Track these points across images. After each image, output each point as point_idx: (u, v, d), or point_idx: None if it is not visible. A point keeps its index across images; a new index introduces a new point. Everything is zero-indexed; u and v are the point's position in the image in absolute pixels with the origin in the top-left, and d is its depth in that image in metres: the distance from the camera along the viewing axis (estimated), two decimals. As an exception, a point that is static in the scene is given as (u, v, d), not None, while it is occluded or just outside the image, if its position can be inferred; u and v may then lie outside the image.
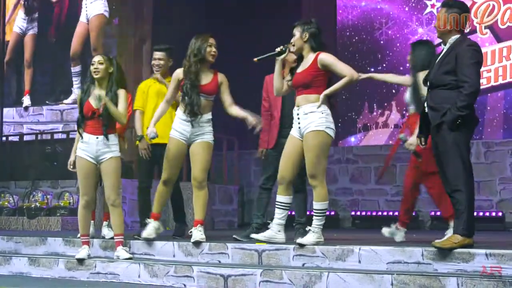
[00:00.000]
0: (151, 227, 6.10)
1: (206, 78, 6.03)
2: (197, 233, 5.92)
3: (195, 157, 6.01)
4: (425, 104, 5.07)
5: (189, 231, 6.14)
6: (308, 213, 6.38)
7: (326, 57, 5.50)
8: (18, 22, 12.27)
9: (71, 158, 6.55)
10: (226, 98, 6.08)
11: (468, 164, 4.86)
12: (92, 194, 6.17)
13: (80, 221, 6.09)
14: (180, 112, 6.04)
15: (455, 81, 4.86)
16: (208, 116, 6.07)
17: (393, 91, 11.13)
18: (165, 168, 6.12)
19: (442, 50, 5.09)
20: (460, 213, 4.79)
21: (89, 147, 5.98)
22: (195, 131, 6.01)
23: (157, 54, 6.81)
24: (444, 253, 4.79)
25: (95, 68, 6.03)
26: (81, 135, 6.01)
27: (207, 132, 6.06)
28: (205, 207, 6.05)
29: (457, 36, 5.02)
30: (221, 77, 6.09)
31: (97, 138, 5.96)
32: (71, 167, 6.50)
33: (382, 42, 11.34)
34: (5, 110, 12.26)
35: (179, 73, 6.06)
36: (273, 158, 6.26)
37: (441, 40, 5.15)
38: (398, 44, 11.22)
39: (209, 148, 6.07)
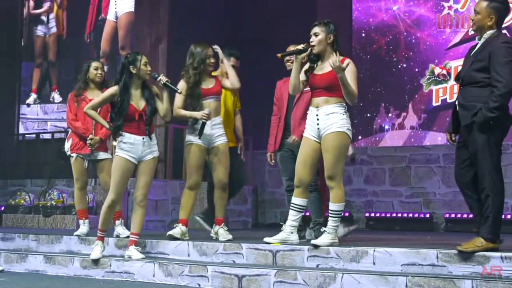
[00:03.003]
0: (178, 230, 6.19)
1: (210, 82, 6.25)
2: (224, 232, 6.20)
3: (219, 160, 6.21)
4: (456, 102, 4.96)
5: (214, 232, 6.30)
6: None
7: (353, 68, 5.43)
8: (40, 27, 12.40)
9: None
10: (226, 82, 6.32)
11: (499, 168, 4.73)
12: (121, 194, 6.12)
13: (102, 217, 6.03)
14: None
15: (488, 79, 4.71)
16: (220, 117, 6.29)
17: (406, 96, 11.09)
18: (190, 174, 6.27)
19: (476, 45, 4.95)
20: (486, 217, 4.74)
21: (134, 148, 5.95)
22: (213, 133, 6.19)
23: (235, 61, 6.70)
24: (459, 256, 4.77)
25: (149, 70, 6.01)
26: (115, 139, 6.01)
27: (223, 134, 6.27)
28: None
29: (493, 31, 4.85)
30: (219, 76, 6.37)
31: (143, 139, 5.97)
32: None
33: (396, 44, 11.30)
34: (30, 107, 12.32)
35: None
36: (286, 159, 6.29)
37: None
38: (411, 46, 11.18)
39: (227, 149, 6.29)
